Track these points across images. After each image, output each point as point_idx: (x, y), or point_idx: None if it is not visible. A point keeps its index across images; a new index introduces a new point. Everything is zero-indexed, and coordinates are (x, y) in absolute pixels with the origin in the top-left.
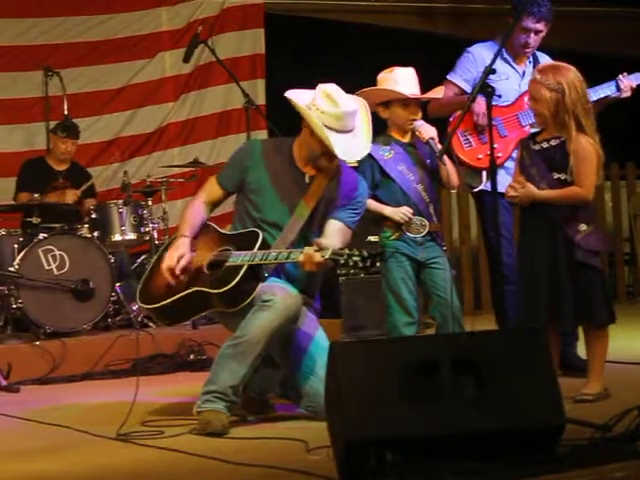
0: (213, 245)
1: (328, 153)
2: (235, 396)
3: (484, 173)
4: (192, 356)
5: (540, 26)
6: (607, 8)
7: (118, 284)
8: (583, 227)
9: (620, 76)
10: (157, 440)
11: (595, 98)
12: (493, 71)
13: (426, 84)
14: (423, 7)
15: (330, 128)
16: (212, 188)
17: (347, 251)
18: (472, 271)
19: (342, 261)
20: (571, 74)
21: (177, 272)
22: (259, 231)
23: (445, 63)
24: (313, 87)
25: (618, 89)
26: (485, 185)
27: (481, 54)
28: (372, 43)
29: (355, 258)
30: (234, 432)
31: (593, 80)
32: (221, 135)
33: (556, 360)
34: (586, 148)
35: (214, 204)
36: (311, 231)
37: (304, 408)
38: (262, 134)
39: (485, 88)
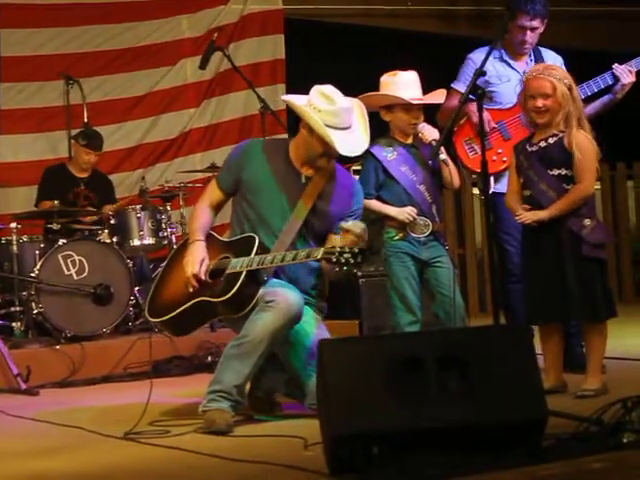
0: (213, 253)
1: (328, 152)
2: (239, 395)
3: (492, 177)
4: (210, 358)
5: (535, 23)
6: None
7: (137, 288)
8: (587, 222)
9: (614, 65)
10: (162, 439)
11: (595, 89)
12: (483, 73)
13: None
14: (444, 10)
15: (328, 125)
16: (212, 190)
17: (338, 249)
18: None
19: (334, 259)
20: (566, 72)
21: (203, 277)
22: (255, 236)
23: None
24: None
25: (615, 78)
26: (495, 188)
27: (482, 59)
28: (393, 47)
29: (346, 255)
30: (239, 430)
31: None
32: (242, 140)
33: (561, 357)
34: (585, 143)
35: (217, 207)
36: (309, 230)
37: (308, 406)
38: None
39: (475, 90)
